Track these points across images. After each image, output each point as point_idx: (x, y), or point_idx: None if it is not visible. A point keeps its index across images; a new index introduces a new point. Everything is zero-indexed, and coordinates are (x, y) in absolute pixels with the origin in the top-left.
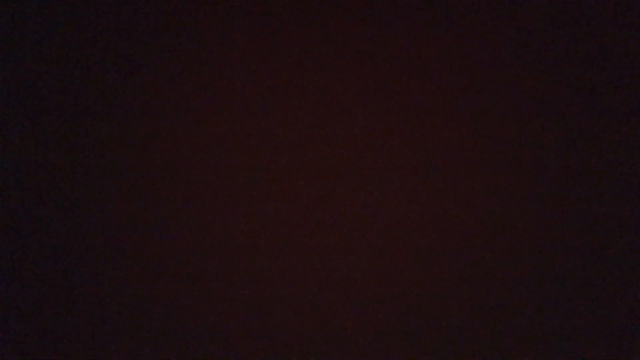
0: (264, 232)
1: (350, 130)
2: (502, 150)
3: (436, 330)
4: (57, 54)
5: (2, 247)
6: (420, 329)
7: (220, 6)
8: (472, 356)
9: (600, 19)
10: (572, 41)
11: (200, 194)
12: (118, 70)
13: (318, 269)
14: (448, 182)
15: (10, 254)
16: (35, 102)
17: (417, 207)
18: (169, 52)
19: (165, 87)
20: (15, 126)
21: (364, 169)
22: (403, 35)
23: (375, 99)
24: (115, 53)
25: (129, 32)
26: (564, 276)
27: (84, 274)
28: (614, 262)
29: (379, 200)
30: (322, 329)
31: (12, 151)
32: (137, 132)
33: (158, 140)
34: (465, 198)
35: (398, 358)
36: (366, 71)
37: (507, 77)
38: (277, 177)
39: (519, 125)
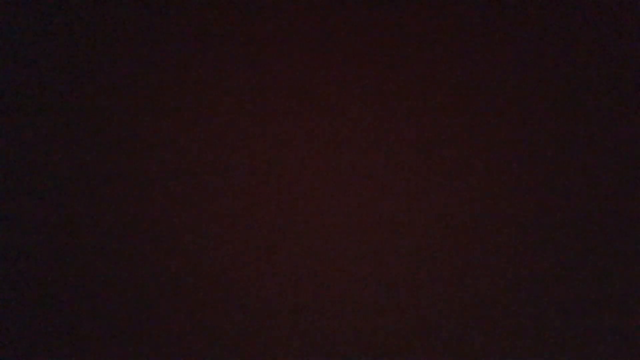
0: (264, 232)
1: (351, 131)
2: (504, 152)
3: (437, 330)
4: (57, 54)
5: (2, 247)
6: (421, 330)
7: (221, 6)
8: (473, 356)
9: (599, 19)
10: (571, 42)
11: (201, 195)
12: (117, 70)
13: (318, 270)
14: (449, 183)
15: (11, 254)
16: (36, 102)
17: (418, 207)
18: (169, 52)
19: (165, 87)
20: (15, 126)
21: (364, 170)
22: (404, 36)
23: (376, 100)
24: (115, 53)
25: (129, 32)
26: (564, 276)
27: (84, 274)
28: (615, 262)
29: (379, 201)
30: (321, 329)
31: (12, 151)
32: (137, 132)
33: (158, 140)
34: (466, 199)
35: (399, 358)
36: (367, 73)
37: (508, 78)
38: (277, 178)
39: (519, 127)
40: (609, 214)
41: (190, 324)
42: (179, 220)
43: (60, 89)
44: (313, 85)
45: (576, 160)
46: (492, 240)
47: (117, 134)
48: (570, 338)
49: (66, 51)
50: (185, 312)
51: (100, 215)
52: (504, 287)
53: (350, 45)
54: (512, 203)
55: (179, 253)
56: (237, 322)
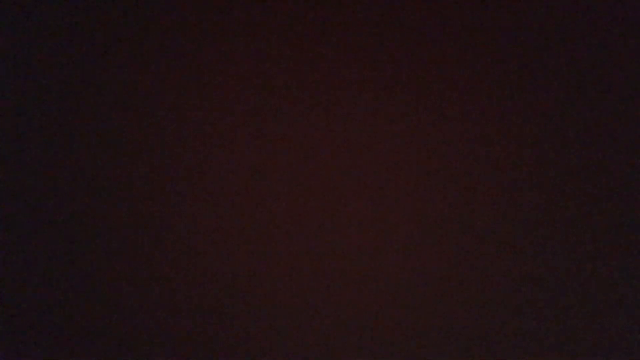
0: (265, 232)
1: (351, 131)
2: (503, 152)
3: (438, 330)
4: (57, 54)
5: (3, 247)
6: (422, 330)
7: (221, 6)
8: (473, 355)
9: (598, 20)
10: (572, 42)
11: (200, 195)
12: (118, 70)
13: (317, 270)
14: (448, 184)
15: (11, 254)
16: (36, 102)
17: (417, 208)
18: (169, 52)
19: (165, 87)
20: (15, 126)
21: (365, 169)
22: (404, 38)
23: (375, 100)
24: (115, 53)
25: (129, 32)
26: (563, 276)
27: (85, 275)
28: (614, 262)
29: (379, 200)
30: (320, 329)
31: (12, 151)
32: (137, 132)
33: (158, 140)
34: (466, 199)
35: (398, 357)
36: (367, 73)
37: (508, 78)
38: (277, 178)
39: (519, 126)
40: (610, 214)
41: (190, 324)
42: (178, 220)
43: (61, 89)
44: (314, 86)
45: (577, 161)
46: (493, 240)
47: (117, 134)
48: (570, 338)
49: (66, 51)
50: (185, 312)
51: (99, 215)
52: (505, 287)
53: (350, 45)
54: (513, 203)
55: (178, 253)
56: (237, 322)
